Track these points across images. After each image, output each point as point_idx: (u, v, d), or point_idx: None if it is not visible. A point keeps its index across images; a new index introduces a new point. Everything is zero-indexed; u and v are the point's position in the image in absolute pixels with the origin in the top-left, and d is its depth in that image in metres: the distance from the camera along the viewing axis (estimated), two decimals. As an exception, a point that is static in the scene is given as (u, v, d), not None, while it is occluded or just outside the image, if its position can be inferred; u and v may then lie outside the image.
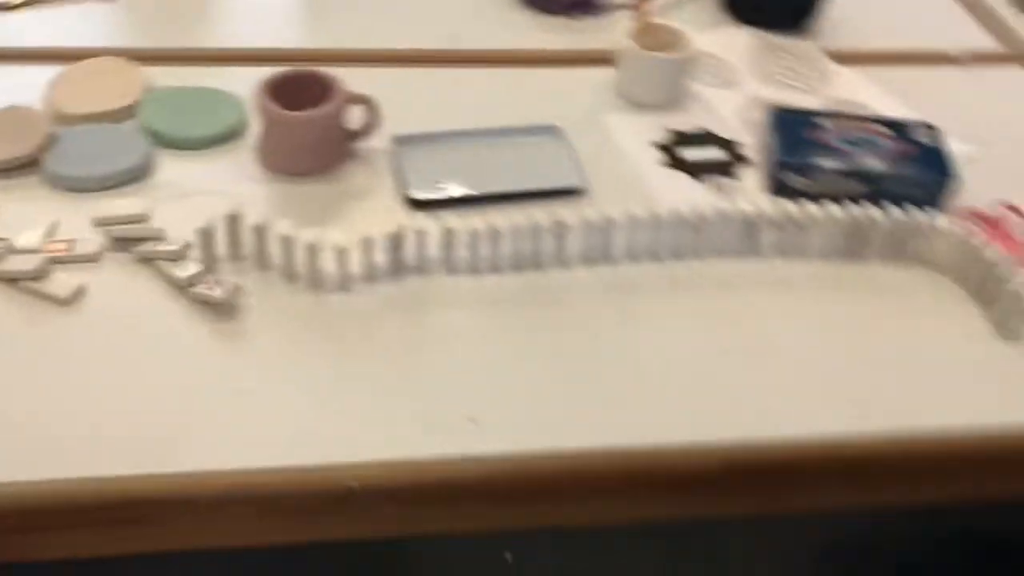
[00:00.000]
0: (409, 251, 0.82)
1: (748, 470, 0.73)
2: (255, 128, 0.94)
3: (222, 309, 0.77)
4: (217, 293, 0.77)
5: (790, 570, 1.40)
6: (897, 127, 0.97)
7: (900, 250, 0.88)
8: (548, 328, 0.80)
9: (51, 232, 0.82)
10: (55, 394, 0.71)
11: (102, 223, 0.83)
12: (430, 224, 0.82)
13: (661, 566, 1.38)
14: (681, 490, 0.75)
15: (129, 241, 0.81)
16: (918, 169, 0.92)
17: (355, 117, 0.93)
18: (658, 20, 1.04)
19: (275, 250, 0.80)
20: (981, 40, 1.21)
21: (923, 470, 0.76)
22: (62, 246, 0.80)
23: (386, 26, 1.13)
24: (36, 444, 0.68)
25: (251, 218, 0.79)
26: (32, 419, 0.69)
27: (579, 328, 0.80)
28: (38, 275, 0.78)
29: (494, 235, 0.82)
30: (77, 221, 0.83)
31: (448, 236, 0.81)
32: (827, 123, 0.97)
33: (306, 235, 0.78)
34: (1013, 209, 0.93)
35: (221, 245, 0.81)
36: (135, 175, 0.88)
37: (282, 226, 0.79)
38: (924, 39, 1.19)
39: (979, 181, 0.94)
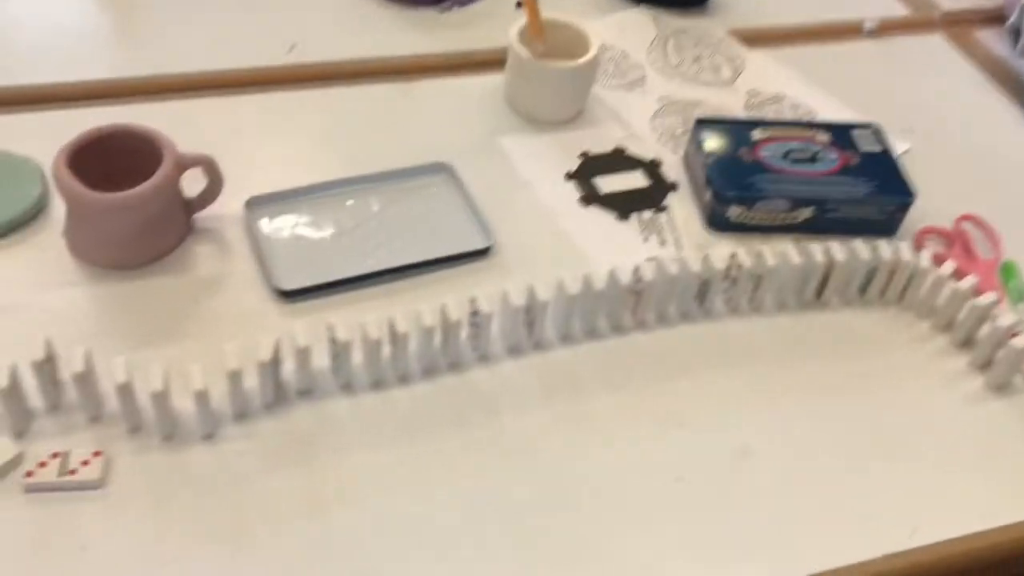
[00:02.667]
0: (288, 372, 0.64)
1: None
2: (60, 205, 0.72)
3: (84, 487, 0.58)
4: (87, 472, 0.57)
5: None
6: (835, 132, 0.85)
7: (865, 293, 0.76)
8: (479, 461, 0.63)
9: None
10: None
11: None
12: (309, 333, 0.63)
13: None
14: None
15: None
16: (871, 189, 0.80)
17: (188, 181, 0.72)
18: (547, 16, 0.85)
19: (110, 398, 0.61)
20: (890, 6, 1.09)
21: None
22: None
23: (209, 43, 0.91)
24: None
25: (73, 362, 0.59)
26: None
27: (519, 452, 0.64)
28: None
29: (397, 340, 0.64)
30: None
31: (337, 349, 0.63)
32: (759, 135, 0.83)
33: (152, 378, 0.58)
34: (968, 218, 0.83)
35: (34, 397, 0.61)
36: None
37: (118, 370, 0.58)
38: (830, 9, 1.06)
39: (923, 183, 0.82)
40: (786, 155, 0.82)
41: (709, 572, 0.59)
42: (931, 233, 0.82)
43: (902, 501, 0.64)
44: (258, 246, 0.72)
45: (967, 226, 0.82)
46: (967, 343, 0.73)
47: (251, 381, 0.62)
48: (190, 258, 0.72)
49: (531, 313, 0.67)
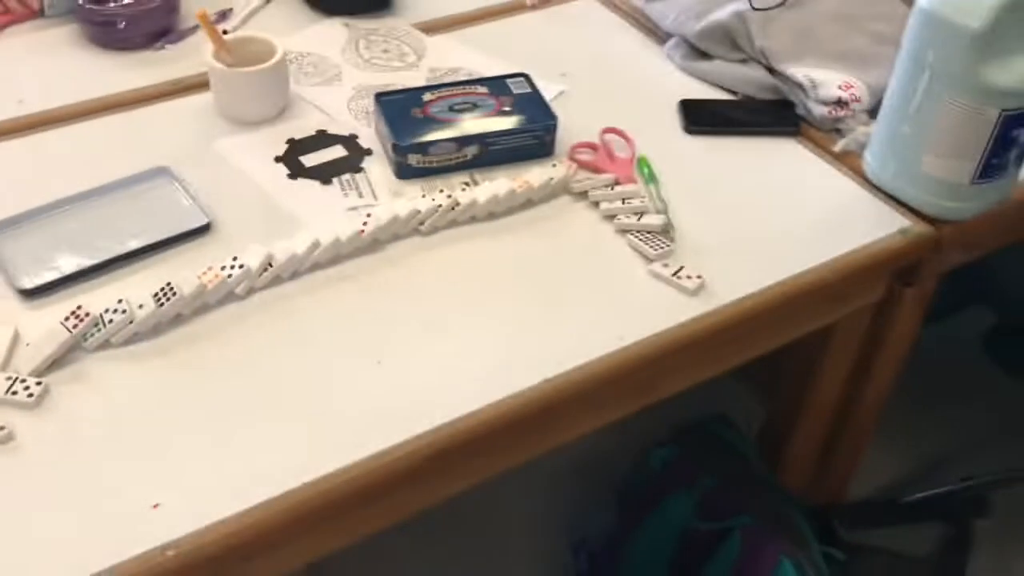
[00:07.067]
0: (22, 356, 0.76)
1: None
2: None
3: None
4: None
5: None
6: (492, 84, 1.02)
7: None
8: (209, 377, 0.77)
9: None
10: None
11: None
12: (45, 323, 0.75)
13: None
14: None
15: None
16: (521, 121, 0.97)
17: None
18: (238, 33, 1.00)
19: None
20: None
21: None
22: None
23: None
24: None
25: None
26: None
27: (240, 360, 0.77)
28: None
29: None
30: None
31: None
32: (429, 97, 1.00)
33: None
34: (612, 131, 1.01)
35: None
36: None
37: None
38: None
39: (577, 112, 1.01)
40: (451, 108, 0.98)
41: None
42: (581, 147, 1.00)
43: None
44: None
45: (609, 137, 1.01)
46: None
47: None
48: (-59, 282, 0.83)
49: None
